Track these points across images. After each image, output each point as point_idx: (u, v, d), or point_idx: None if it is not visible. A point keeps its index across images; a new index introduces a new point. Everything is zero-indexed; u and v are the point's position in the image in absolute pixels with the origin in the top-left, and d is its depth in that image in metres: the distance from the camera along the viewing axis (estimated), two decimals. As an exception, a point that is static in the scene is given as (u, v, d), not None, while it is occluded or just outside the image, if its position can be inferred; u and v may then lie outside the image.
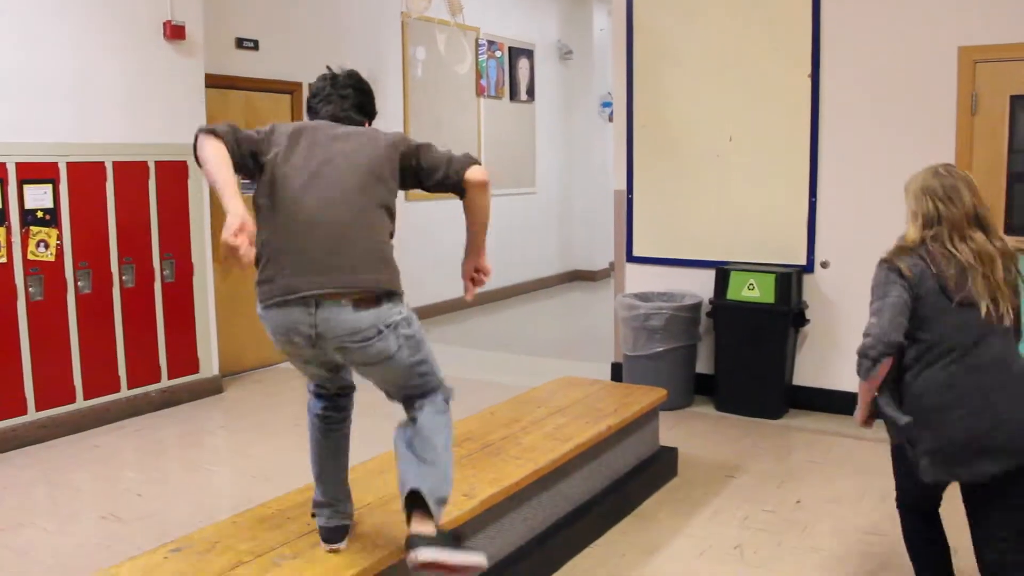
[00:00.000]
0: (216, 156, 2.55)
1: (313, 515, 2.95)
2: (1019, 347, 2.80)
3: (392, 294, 2.67)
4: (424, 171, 2.81)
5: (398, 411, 2.85)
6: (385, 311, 2.64)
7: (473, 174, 2.77)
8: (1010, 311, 2.73)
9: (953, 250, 2.75)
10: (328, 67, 3.02)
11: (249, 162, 2.68)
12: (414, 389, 2.79)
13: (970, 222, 2.78)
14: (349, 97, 2.93)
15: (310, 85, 3.04)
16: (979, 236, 2.77)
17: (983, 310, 2.71)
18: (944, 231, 2.78)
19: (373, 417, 3.61)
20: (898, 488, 3.11)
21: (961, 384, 2.71)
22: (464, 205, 2.86)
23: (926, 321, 2.76)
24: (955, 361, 2.73)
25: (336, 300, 2.57)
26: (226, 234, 2.32)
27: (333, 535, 2.86)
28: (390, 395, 2.85)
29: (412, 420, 2.76)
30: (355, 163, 2.71)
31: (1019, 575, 2.70)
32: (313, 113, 2.95)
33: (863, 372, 2.79)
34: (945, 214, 2.79)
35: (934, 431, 2.74)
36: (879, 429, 4.68)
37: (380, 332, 2.63)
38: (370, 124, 3.02)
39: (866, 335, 2.78)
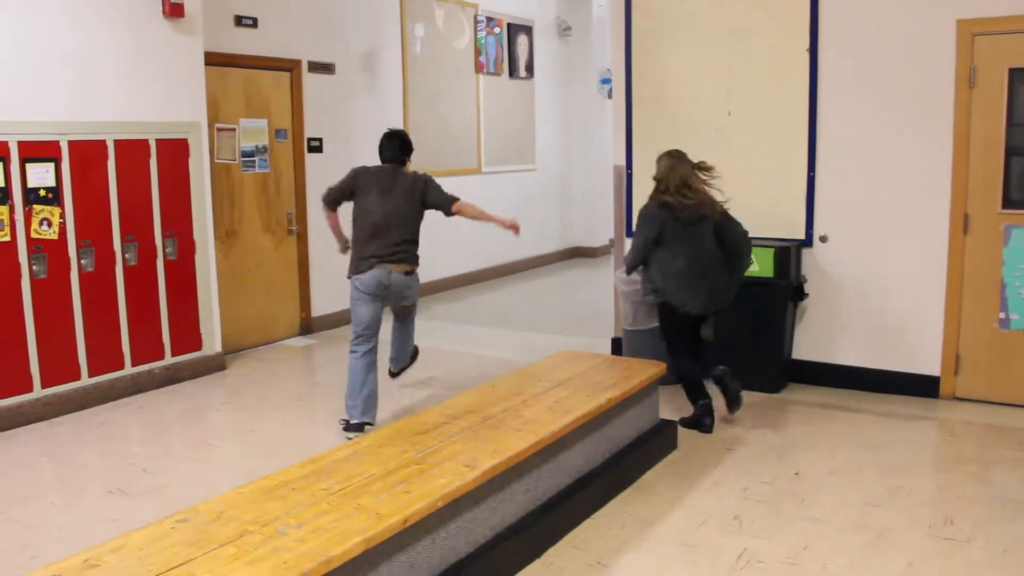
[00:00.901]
0: (330, 221, 5.48)
1: (344, 422, 5.15)
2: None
3: (416, 269, 5.24)
4: (432, 204, 5.23)
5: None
6: (415, 277, 5.27)
7: (456, 208, 5.22)
8: (712, 229, 5.02)
9: (680, 196, 4.96)
10: (388, 128, 5.42)
11: (347, 196, 5.28)
12: (406, 312, 5.53)
13: (686, 182, 4.99)
14: (396, 146, 5.29)
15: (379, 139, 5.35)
16: (690, 191, 4.98)
17: (700, 227, 5.00)
18: (674, 186, 4.99)
19: (382, 399, 3.65)
20: (670, 340, 5.24)
21: (691, 265, 4.98)
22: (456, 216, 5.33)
23: (668, 233, 4.97)
24: (686, 252, 4.99)
25: (400, 270, 5.12)
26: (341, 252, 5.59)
27: (355, 427, 5.04)
28: (395, 312, 5.50)
29: (399, 325, 5.63)
30: (401, 199, 5.12)
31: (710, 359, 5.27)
32: (381, 153, 5.30)
33: (628, 271, 5.27)
34: (674, 178, 4.99)
35: (688, 289, 5.01)
36: (879, 403, 4.75)
37: (412, 286, 5.26)
38: (408, 158, 5.34)
39: (628, 257, 5.20)
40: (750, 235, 5.13)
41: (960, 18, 5.36)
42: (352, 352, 5.14)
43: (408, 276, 5.16)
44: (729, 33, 6.11)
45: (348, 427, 5.07)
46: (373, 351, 5.15)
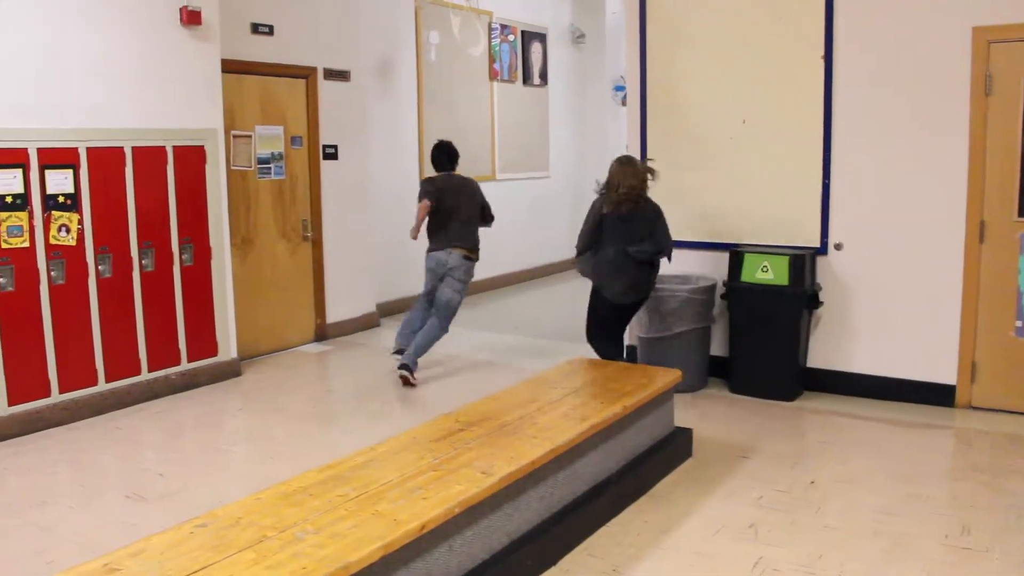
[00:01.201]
0: (421, 214, 6.33)
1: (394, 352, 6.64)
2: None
3: (476, 256, 6.54)
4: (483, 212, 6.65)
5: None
6: (472, 262, 6.51)
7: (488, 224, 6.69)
8: (645, 229, 5.48)
9: (623, 199, 5.42)
10: (439, 140, 6.76)
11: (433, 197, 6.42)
12: (446, 307, 6.43)
13: (634, 188, 5.45)
14: (444, 157, 6.59)
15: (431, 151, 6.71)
16: (638, 198, 5.46)
17: (632, 226, 5.45)
18: (620, 189, 5.44)
19: (398, 406, 3.66)
20: (592, 325, 5.73)
21: (617, 256, 5.45)
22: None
23: (607, 227, 5.48)
24: (617, 245, 5.45)
25: (460, 252, 6.39)
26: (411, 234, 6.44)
27: (399, 352, 6.51)
28: (436, 304, 6.45)
29: (433, 319, 6.44)
30: (468, 200, 6.50)
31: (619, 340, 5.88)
32: (435, 165, 6.63)
33: (577, 254, 5.70)
34: (624, 181, 5.46)
35: (618, 278, 5.49)
36: (894, 412, 4.73)
37: (466, 269, 6.45)
38: (456, 163, 6.62)
39: (578, 242, 5.66)
40: (672, 247, 5.57)
41: (976, 26, 5.36)
42: (413, 308, 6.73)
43: (466, 260, 6.43)
44: (744, 40, 6.12)
45: (397, 352, 6.58)
46: (427, 314, 6.54)
